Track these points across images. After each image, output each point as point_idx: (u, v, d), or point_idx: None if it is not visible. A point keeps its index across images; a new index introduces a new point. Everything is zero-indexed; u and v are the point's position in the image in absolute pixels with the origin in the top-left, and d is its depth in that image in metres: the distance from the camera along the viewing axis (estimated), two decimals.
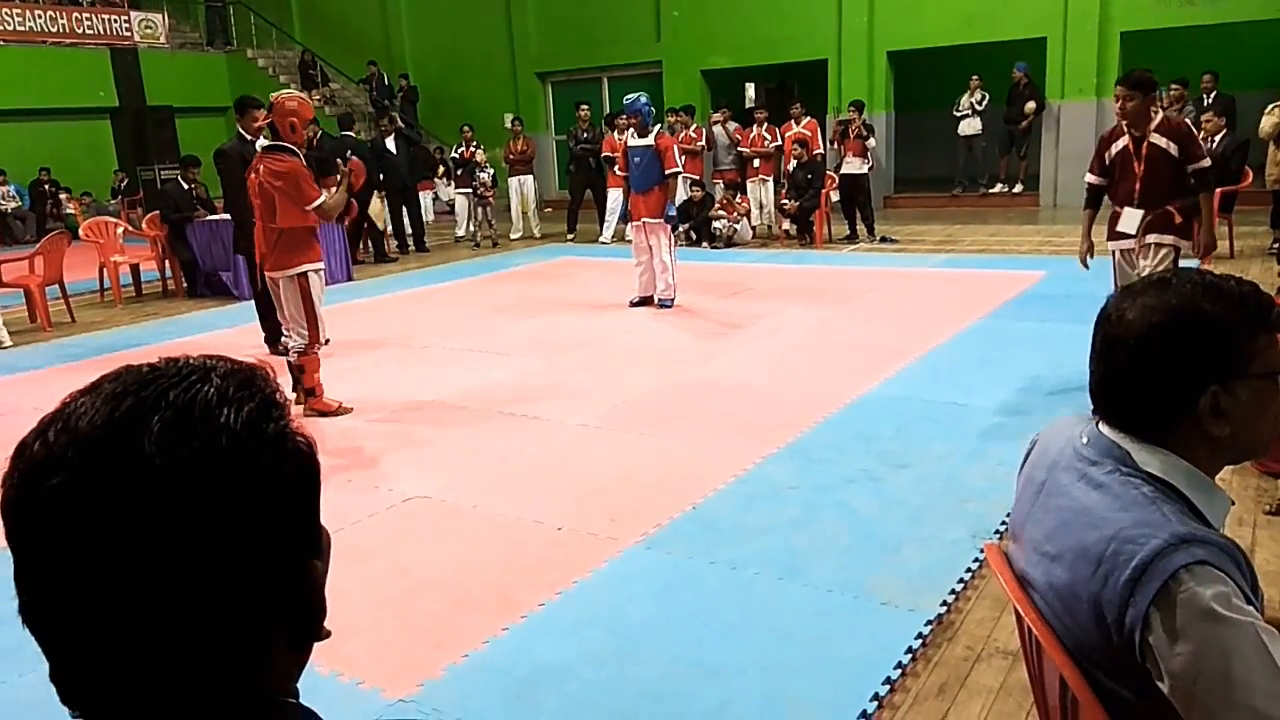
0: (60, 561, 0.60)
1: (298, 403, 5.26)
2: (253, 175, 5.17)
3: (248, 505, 0.63)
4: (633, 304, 7.95)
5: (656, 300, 7.88)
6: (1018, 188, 13.61)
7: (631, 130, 7.82)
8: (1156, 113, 4.61)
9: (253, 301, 7.09)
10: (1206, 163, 4.57)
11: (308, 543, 0.69)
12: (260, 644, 0.66)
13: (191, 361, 0.69)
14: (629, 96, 7.86)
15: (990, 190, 13.77)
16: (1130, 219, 4.64)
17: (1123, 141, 4.63)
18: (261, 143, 5.31)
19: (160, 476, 0.60)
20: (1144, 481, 1.21)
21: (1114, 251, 4.84)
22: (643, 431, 4.76)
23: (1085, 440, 1.31)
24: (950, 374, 5.47)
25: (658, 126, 7.80)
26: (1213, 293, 1.21)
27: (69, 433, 0.62)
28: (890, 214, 13.34)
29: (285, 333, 5.36)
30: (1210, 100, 10.34)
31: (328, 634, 0.72)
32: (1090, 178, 4.92)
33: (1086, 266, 5.03)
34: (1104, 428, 1.30)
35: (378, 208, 9.85)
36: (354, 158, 4.97)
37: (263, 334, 6.93)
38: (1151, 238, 4.63)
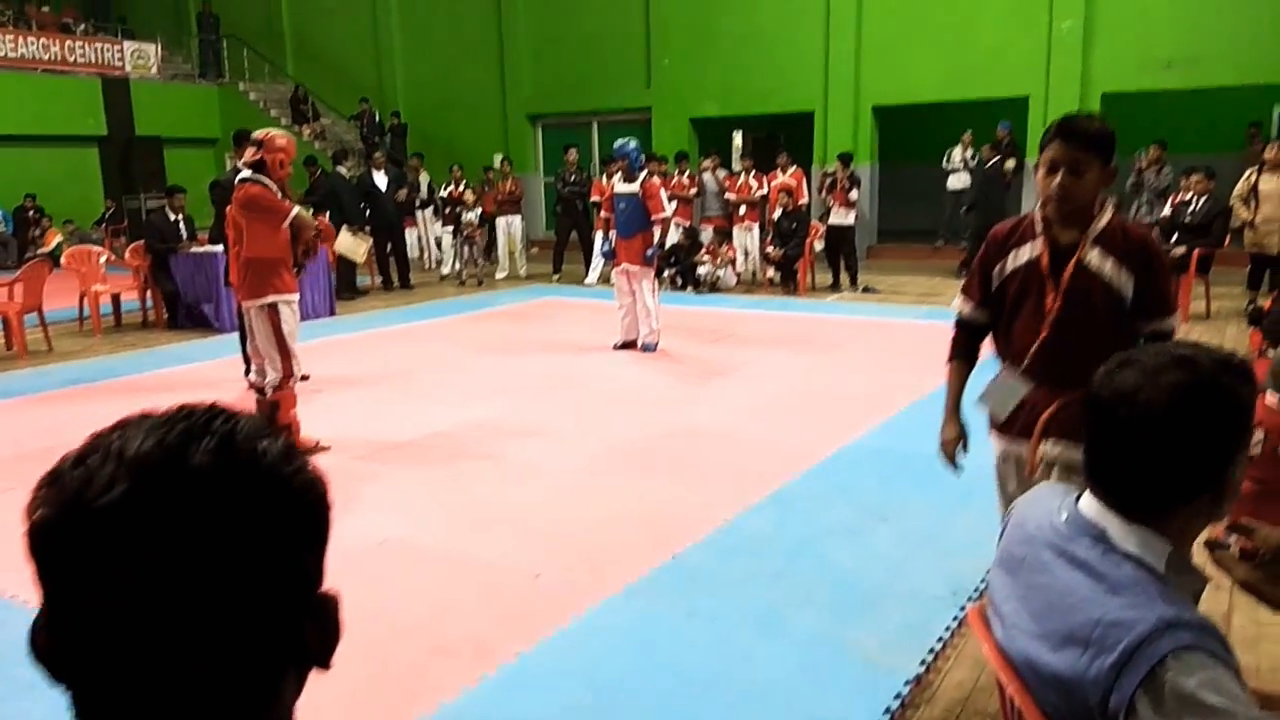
0: (105, 582, 0.62)
1: None
2: (229, 206, 5.18)
3: (285, 527, 0.68)
4: (616, 347, 7.96)
5: (640, 344, 7.89)
6: None
7: (619, 175, 7.88)
8: (1106, 207, 2.42)
9: (236, 334, 7.07)
10: (1173, 322, 2.41)
11: (324, 572, 0.74)
12: (278, 671, 0.69)
13: (216, 405, 0.73)
14: (619, 141, 7.92)
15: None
16: (1005, 392, 2.54)
17: (1031, 249, 2.44)
18: (243, 174, 5.32)
19: (213, 493, 0.64)
20: (1124, 559, 1.20)
21: (1000, 451, 2.69)
22: (624, 476, 4.74)
23: (1064, 517, 1.31)
24: (932, 427, 5.40)
25: (643, 173, 7.84)
26: (1229, 368, 1.20)
27: (116, 457, 0.65)
28: (873, 264, 13.48)
29: (254, 367, 5.30)
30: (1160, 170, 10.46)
31: (330, 664, 0.75)
32: (961, 306, 2.72)
33: (955, 466, 2.87)
34: (1084, 505, 1.30)
35: (348, 242, 9.76)
36: (325, 218, 5.00)
37: (244, 366, 6.90)
38: (1052, 446, 2.46)
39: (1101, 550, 1.23)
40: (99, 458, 0.65)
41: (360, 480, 4.75)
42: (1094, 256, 2.36)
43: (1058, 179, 2.30)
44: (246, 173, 5.22)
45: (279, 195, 5.12)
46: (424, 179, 13.80)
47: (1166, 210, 9.01)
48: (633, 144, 7.80)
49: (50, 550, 0.64)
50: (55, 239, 15.09)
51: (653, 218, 7.69)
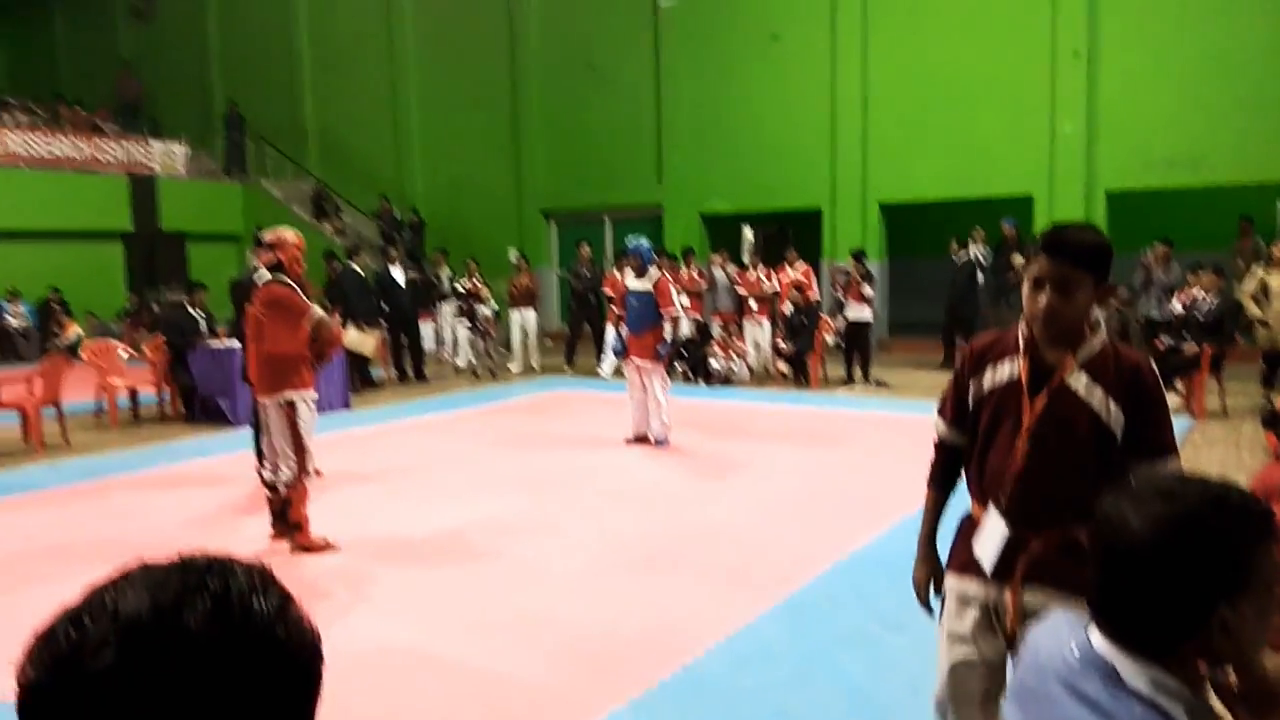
0: None
1: (279, 538, 5.19)
2: (250, 306, 5.29)
3: (277, 690, 0.69)
4: (629, 441, 7.96)
5: (653, 438, 7.89)
6: None
7: (630, 271, 8.00)
8: (1097, 327, 2.14)
9: (250, 428, 7.14)
10: (1172, 467, 2.04)
11: None
12: None
13: (214, 556, 0.74)
14: (630, 238, 8.06)
15: None
16: (989, 537, 2.16)
17: (1012, 367, 2.15)
18: (262, 275, 5.43)
19: (206, 655, 0.65)
20: (1135, 700, 1.18)
21: (958, 592, 2.28)
22: (632, 578, 4.68)
23: (1075, 651, 1.29)
24: (946, 529, 5.41)
25: (654, 269, 7.95)
26: (1220, 505, 1.17)
27: (111, 617, 0.65)
28: (885, 358, 13.52)
29: (265, 464, 5.32)
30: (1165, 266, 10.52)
31: None
32: (939, 426, 2.43)
33: (930, 609, 2.49)
34: (1095, 638, 1.28)
35: (354, 337, 10.00)
36: (336, 316, 5.19)
37: (256, 461, 6.95)
38: (1033, 595, 2.09)
39: (1111, 689, 1.20)
40: (93, 615, 0.66)
41: (368, 581, 4.71)
42: (1081, 382, 2.06)
43: (1044, 297, 2.03)
44: (266, 274, 5.34)
45: (301, 295, 5.22)
46: (445, 273, 14.07)
47: (1177, 307, 9.04)
48: (644, 241, 7.94)
49: (40, 713, 0.64)
50: (73, 331, 15.34)
51: (664, 313, 7.77)
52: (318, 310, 5.24)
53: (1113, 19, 12.41)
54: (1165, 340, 8.88)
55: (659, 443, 7.84)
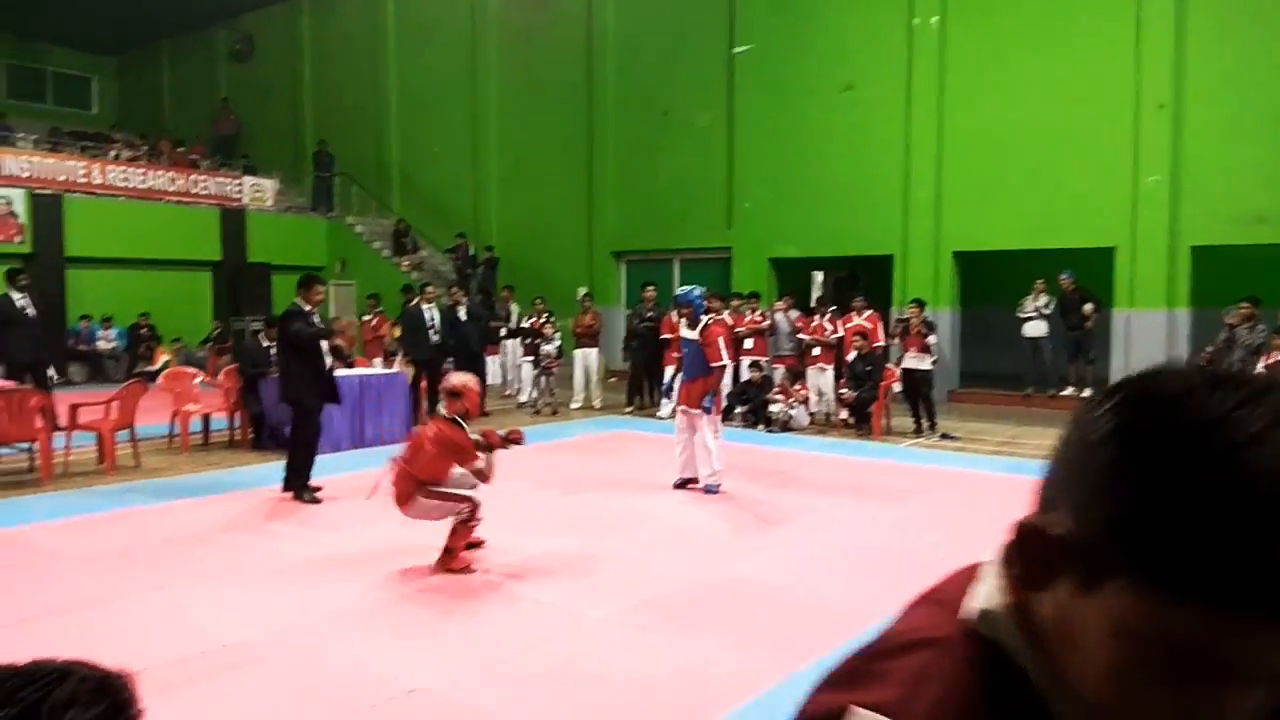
0: None
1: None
2: (425, 429, 5.64)
3: None
4: (676, 486, 7.89)
5: (703, 486, 7.80)
6: (1087, 391, 13.36)
7: (684, 320, 7.97)
8: None
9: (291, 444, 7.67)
10: None
11: None
12: None
13: (56, 664, 0.73)
14: (682, 288, 8.01)
15: (1060, 393, 13.56)
16: None
17: None
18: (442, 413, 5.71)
19: None
20: None
21: None
22: (666, 630, 4.60)
23: None
24: None
25: (706, 318, 7.88)
26: None
27: None
28: (954, 408, 13.18)
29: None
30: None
31: None
32: None
33: None
34: None
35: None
36: (493, 464, 5.58)
37: (284, 476, 7.50)
38: None
39: None
40: None
41: (401, 620, 4.73)
42: None
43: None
44: (443, 411, 5.70)
45: (470, 442, 5.50)
46: (514, 309, 14.30)
47: (1261, 368, 8.62)
48: (696, 291, 7.86)
49: None
50: (163, 358, 15.99)
51: (711, 365, 7.65)
52: (481, 459, 5.49)
53: (1199, 71, 12.03)
54: None
55: (710, 490, 7.75)
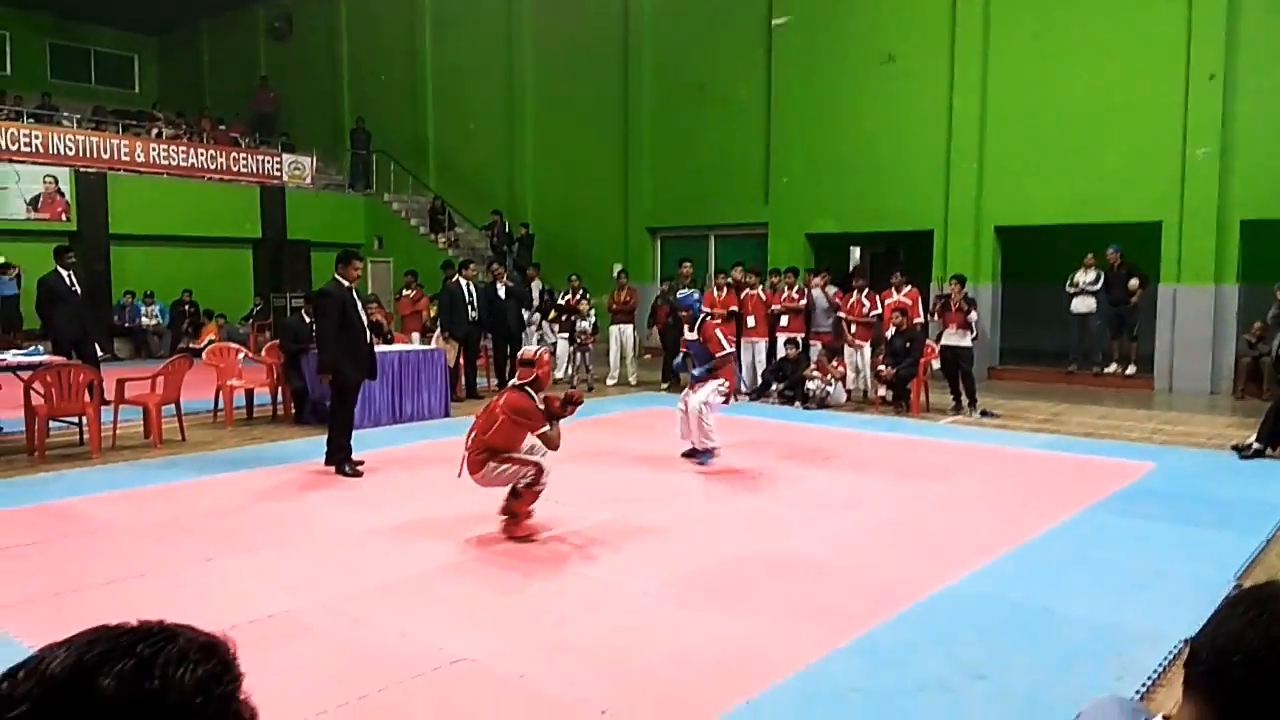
0: None
1: (503, 513, 5.75)
2: (497, 399, 5.79)
3: None
4: (683, 455, 7.95)
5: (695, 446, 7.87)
6: (1131, 369, 13.13)
7: (685, 325, 8.28)
8: None
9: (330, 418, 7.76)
10: None
11: None
12: None
13: (164, 625, 0.76)
14: (681, 293, 8.53)
15: (1104, 370, 13.33)
16: None
17: None
18: (513, 383, 5.88)
19: (110, 718, 0.66)
20: None
21: None
22: (705, 605, 4.60)
23: None
24: (1042, 573, 5.14)
25: (703, 316, 8.20)
26: None
27: (37, 675, 0.69)
28: (995, 385, 13.02)
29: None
30: None
31: None
32: None
33: None
34: None
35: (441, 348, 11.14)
36: (559, 431, 5.80)
37: (325, 450, 7.56)
38: None
39: None
40: (27, 672, 0.69)
41: (447, 591, 4.78)
42: None
43: None
44: (514, 381, 5.88)
45: (540, 410, 5.69)
46: (536, 286, 14.31)
47: None
48: (695, 295, 8.47)
49: None
50: (209, 335, 16.22)
51: (716, 355, 7.87)
52: (548, 426, 5.69)
53: (1251, 40, 11.67)
54: None
55: (691, 455, 7.79)
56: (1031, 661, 3.95)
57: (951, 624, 4.37)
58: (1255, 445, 8.02)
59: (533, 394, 5.71)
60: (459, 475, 5.75)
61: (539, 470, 5.65)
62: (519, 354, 6.17)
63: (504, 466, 5.60)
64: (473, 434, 5.71)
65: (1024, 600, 4.70)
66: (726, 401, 8.10)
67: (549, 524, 5.95)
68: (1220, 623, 1.03)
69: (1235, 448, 8.19)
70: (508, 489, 5.71)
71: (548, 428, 5.66)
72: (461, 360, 12.01)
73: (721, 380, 7.88)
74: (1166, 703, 3.26)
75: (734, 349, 8.05)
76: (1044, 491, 6.96)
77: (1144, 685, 3.68)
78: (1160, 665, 3.85)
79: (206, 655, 0.73)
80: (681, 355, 8.32)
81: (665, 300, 13.18)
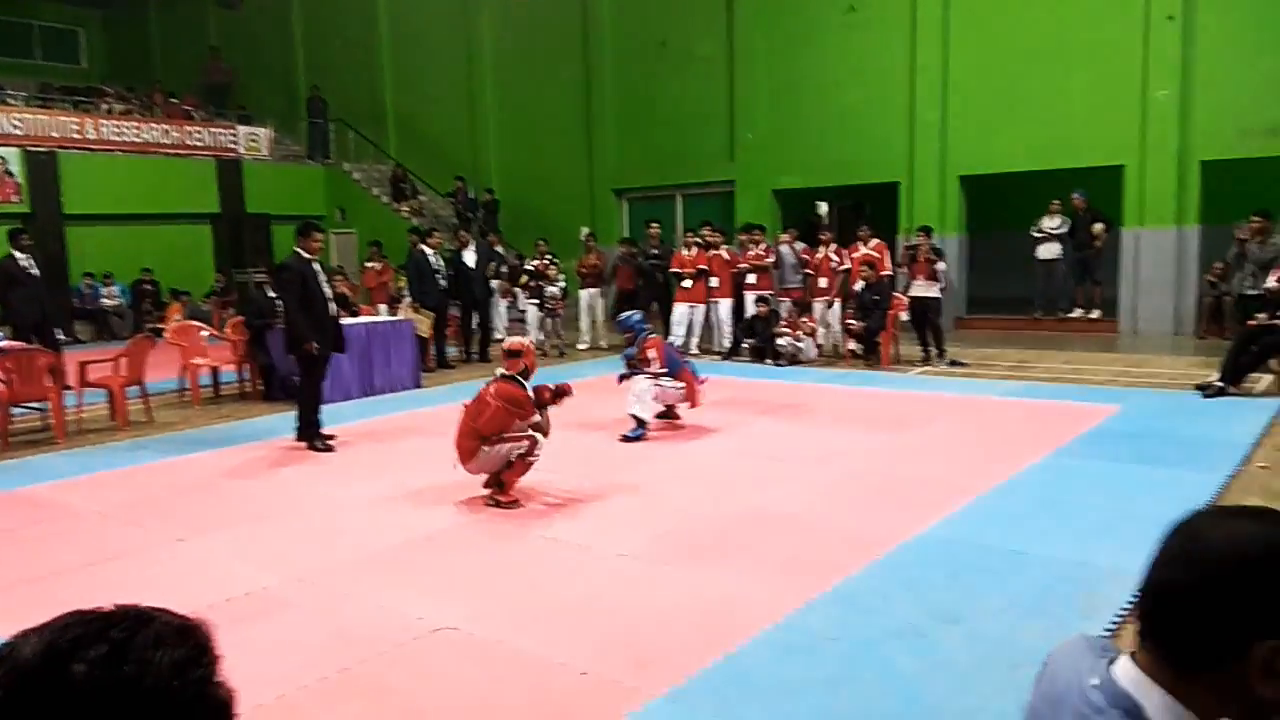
0: None
1: (488, 485, 5.77)
2: (486, 388, 5.77)
3: None
4: (656, 416, 7.86)
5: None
6: (1095, 313, 13.30)
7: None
8: None
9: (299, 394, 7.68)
10: None
11: None
12: None
13: (139, 608, 0.75)
14: (623, 314, 8.53)
15: (1069, 315, 13.49)
16: None
17: None
18: (500, 371, 5.86)
19: (86, 701, 0.66)
20: None
21: None
22: (682, 563, 4.64)
23: (1096, 682, 1.18)
24: (1011, 516, 5.24)
25: (640, 336, 8.00)
26: None
27: (9, 662, 0.68)
28: (963, 335, 13.14)
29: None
30: None
31: None
32: None
33: None
34: (1120, 672, 1.17)
35: (412, 319, 10.98)
36: (549, 419, 5.87)
37: (296, 426, 7.49)
38: None
39: None
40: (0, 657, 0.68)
41: (424, 559, 4.79)
42: None
43: None
44: (501, 371, 5.86)
45: (530, 398, 5.76)
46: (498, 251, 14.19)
47: (1272, 282, 8.54)
48: (636, 316, 8.32)
49: None
50: (175, 315, 15.93)
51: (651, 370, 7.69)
52: (538, 415, 5.76)
53: None
54: (1259, 318, 8.39)
55: (637, 426, 7.58)
56: (1002, 604, 4.02)
57: (924, 571, 4.44)
58: (1218, 383, 8.17)
59: (524, 383, 5.77)
60: (454, 468, 5.73)
61: (533, 441, 5.68)
62: (504, 345, 6.16)
63: (498, 446, 5.63)
64: (461, 425, 5.72)
65: (994, 544, 4.78)
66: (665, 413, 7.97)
67: (526, 490, 5.95)
68: (1150, 565, 1.11)
69: (1199, 387, 8.34)
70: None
71: (538, 416, 5.75)
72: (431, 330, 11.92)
73: (672, 381, 7.75)
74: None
75: (666, 368, 7.78)
76: (1012, 437, 7.06)
77: (1113, 623, 3.77)
78: (1127, 602, 3.94)
79: (182, 638, 0.72)
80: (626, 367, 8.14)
81: (625, 261, 13.13)
